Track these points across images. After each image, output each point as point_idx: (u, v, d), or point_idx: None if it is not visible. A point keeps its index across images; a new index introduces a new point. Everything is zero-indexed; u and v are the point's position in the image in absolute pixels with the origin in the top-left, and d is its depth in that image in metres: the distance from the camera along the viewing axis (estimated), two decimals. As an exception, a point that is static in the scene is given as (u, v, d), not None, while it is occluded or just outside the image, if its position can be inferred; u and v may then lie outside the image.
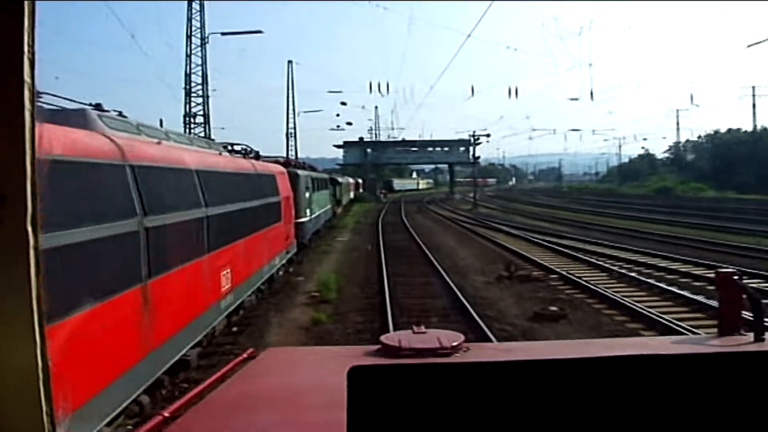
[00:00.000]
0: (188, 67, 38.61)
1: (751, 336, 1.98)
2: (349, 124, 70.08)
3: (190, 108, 38.93)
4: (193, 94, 38.88)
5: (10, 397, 0.97)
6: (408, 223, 35.20)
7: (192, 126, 38.23)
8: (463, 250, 21.80)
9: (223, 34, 39.46)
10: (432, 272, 16.66)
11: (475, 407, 1.12)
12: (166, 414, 1.83)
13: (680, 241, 22.02)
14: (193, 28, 38.60)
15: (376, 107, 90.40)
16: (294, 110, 53.81)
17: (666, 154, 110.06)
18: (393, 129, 69.63)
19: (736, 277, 2.09)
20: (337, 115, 77.06)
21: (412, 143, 73.31)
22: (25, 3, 0.94)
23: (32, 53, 0.95)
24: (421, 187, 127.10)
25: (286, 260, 15.52)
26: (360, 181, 73.21)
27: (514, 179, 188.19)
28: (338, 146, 73.07)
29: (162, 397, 6.90)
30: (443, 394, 1.12)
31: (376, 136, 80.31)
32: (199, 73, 38.94)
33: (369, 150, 73.62)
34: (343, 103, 56.88)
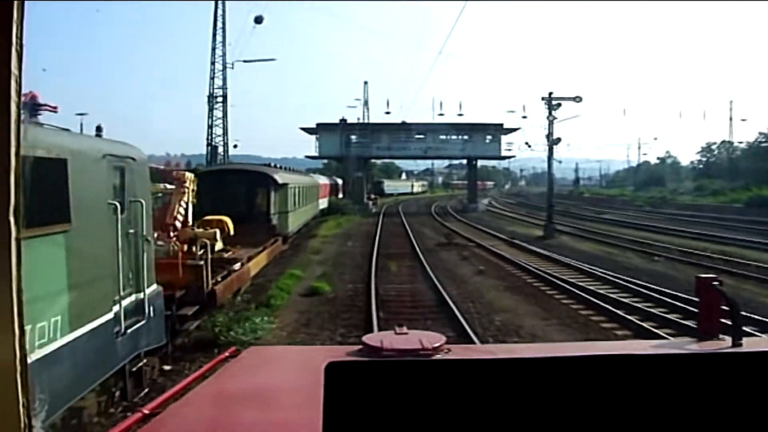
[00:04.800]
0: None
1: (729, 340, 1.96)
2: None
3: None
4: None
5: None
6: (474, 313, 12.27)
7: None
8: None
9: None
10: None
11: (452, 405, 1.10)
12: (146, 411, 1.82)
13: None
14: None
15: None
16: (224, 59, 30.29)
17: (698, 156, 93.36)
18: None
19: (715, 283, 2.06)
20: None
21: (417, 127, 50.18)
22: None
23: (20, 45, 0.94)
24: (415, 190, 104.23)
25: None
26: (339, 181, 50.19)
27: (510, 183, 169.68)
28: (307, 130, 49.68)
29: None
30: (419, 391, 1.10)
31: (364, 115, 56.89)
32: None
33: (353, 137, 50.29)
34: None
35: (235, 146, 45.74)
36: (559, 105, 27.41)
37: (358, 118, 56.19)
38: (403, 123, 50.18)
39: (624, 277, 15.42)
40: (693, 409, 1.11)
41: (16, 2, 0.94)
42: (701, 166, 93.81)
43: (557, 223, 28.27)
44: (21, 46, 0.95)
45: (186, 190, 12.43)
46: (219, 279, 11.17)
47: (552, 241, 24.94)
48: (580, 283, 14.87)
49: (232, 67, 30.32)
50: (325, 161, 69.54)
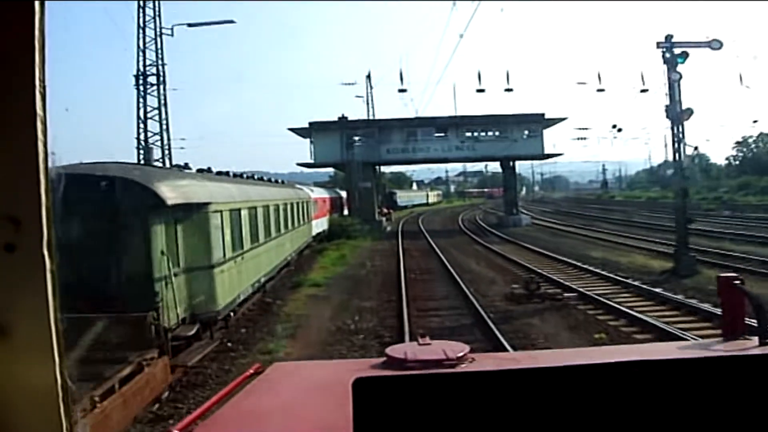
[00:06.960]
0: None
1: (755, 340, 1.92)
2: None
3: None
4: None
5: (33, 415, 0.99)
6: None
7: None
8: None
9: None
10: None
11: (481, 416, 1.11)
12: (176, 430, 1.82)
13: None
14: None
15: None
16: (157, 22, 20.20)
17: (735, 151, 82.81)
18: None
19: (737, 282, 1.99)
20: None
21: (436, 123, 39.75)
22: (36, 38, 0.97)
23: (43, 87, 0.99)
24: (431, 200, 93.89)
25: None
26: (343, 194, 39.92)
27: (524, 189, 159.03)
28: (297, 131, 39.34)
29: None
30: (448, 404, 1.11)
31: (369, 111, 46.42)
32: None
33: (357, 139, 39.93)
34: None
35: (182, 148, 35.82)
36: (684, 57, 17.01)
37: (365, 121, 45.63)
38: (417, 118, 39.80)
39: None
40: (726, 411, 1.10)
41: (38, 46, 0.95)
42: (737, 162, 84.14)
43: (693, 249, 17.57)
44: (44, 87, 0.96)
45: None
46: None
47: (702, 281, 14.43)
48: None
49: (172, 34, 20.47)
50: (332, 173, 59.33)
